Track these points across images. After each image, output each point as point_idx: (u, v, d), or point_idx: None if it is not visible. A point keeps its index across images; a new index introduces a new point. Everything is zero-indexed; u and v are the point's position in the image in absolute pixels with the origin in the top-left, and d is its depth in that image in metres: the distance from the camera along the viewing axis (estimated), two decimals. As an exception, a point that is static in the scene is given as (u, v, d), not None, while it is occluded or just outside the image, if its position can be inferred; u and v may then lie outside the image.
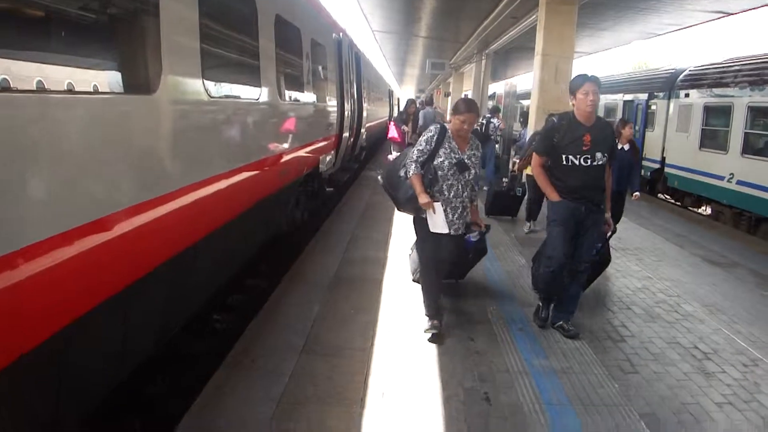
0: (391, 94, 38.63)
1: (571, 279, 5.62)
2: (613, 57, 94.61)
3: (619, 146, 8.03)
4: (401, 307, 6.05)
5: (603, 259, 6.34)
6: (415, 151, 5.29)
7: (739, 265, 8.86)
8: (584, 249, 5.57)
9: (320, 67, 9.71)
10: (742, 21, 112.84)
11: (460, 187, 5.31)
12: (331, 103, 10.93)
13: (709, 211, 15.67)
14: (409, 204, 5.34)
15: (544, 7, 12.97)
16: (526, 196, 10.59)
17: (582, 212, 5.42)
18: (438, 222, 5.21)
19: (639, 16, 16.96)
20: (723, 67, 15.25)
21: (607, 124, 5.71)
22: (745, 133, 13.22)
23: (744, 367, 5.19)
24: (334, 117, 11.19)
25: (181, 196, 4.00)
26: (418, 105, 17.78)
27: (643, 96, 18.84)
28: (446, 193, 5.28)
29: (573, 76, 13.63)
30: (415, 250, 6.49)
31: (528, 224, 10.23)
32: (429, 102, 19.96)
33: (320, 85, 9.74)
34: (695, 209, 16.25)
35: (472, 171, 5.37)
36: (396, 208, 5.76)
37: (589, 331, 5.76)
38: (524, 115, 15.92)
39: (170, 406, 4.47)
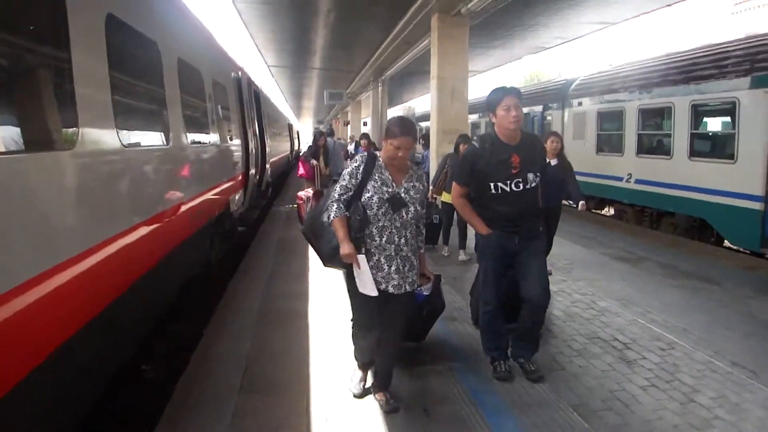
0: (290, 127, 38.70)
1: (530, 316, 5.00)
2: (505, 72, 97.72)
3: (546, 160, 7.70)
4: (330, 339, 6.11)
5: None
6: (338, 188, 4.27)
7: (646, 259, 9.45)
8: (534, 282, 4.88)
9: (222, 107, 9.72)
10: (624, 30, 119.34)
11: (394, 229, 4.25)
12: (236, 142, 10.93)
13: (612, 211, 16.47)
14: (335, 257, 4.28)
15: (437, 32, 13.45)
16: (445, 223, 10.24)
17: (515, 244, 4.86)
18: (365, 280, 4.19)
19: (528, 33, 17.80)
20: (612, 73, 16.16)
21: (535, 139, 5.21)
22: (638, 134, 14.04)
23: (662, 351, 5.62)
24: (239, 156, 11.18)
25: (106, 246, 3.97)
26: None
27: (539, 108, 19.64)
28: (377, 238, 4.23)
29: (468, 95, 14.39)
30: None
31: (460, 252, 9.81)
32: (330, 133, 20.05)
33: (224, 125, 9.74)
34: (599, 211, 17.04)
35: (411, 208, 4.29)
36: (322, 263, 4.59)
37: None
38: (425, 137, 16.33)
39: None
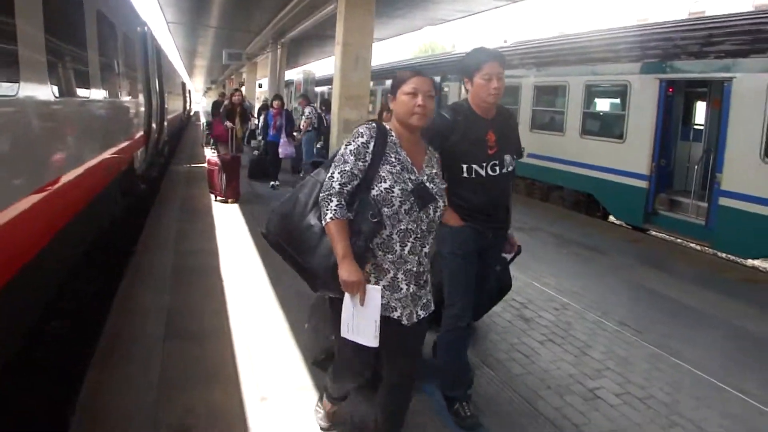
0: (184, 86, 37.82)
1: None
2: (401, 42, 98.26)
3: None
4: (243, 291, 6.36)
5: (503, 285, 5.15)
6: (336, 174, 2.93)
7: (538, 229, 10.17)
8: (484, 288, 4.24)
9: (130, 63, 9.61)
10: (522, 9, 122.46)
11: (420, 234, 3.02)
12: (141, 99, 10.82)
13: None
14: (332, 282, 2.91)
15: (344, -2, 13.54)
16: None
17: (489, 239, 4.04)
18: (366, 323, 2.90)
19: (430, 4, 18.05)
20: (510, 50, 16.79)
21: (508, 113, 4.32)
22: (533, 110, 14.76)
23: (556, 311, 6.27)
24: (143, 112, 11.08)
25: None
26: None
27: (436, 79, 20.14)
28: (397, 247, 2.97)
29: (371, 62, 14.65)
30: (317, 327, 4.34)
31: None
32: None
33: (131, 81, 9.65)
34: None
35: (440, 204, 3.10)
36: (311, 287, 3.23)
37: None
38: (325, 103, 16.45)
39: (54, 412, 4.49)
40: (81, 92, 5.77)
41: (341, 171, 2.93)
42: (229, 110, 13.32)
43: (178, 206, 11.03)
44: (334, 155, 3.07)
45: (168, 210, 10.65)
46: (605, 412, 4.24)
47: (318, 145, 16.05)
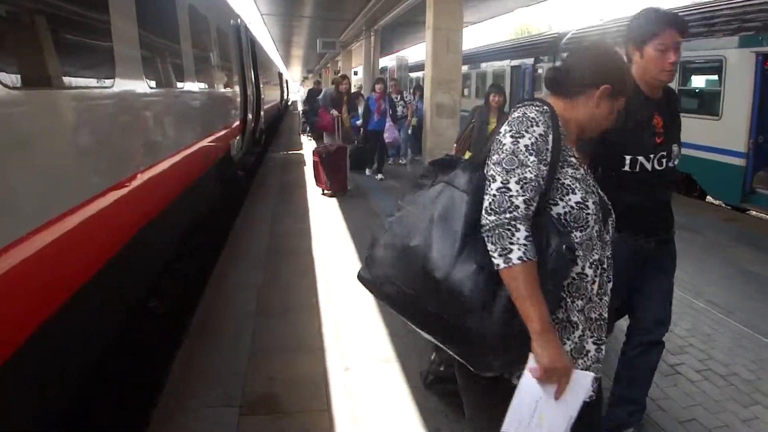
0: (280, 76, 38.73)
1: (646, 355, 3.39)
2: (495, 24, 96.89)
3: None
4: (333, 270, 6.57)
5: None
6: (513, 184, 1.87)
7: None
8: (659, 305, 3.37)
9: (224, 55, 10.00)
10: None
11: (606, 261, 2.12)
12: (236, 90, 11.24)
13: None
14: (507, 351, 1.87)
15: (434, -18, 13.56)
16: None
17: (651, 250, 3.22)
18: (560, 413, 1.87)
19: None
20: (603, 28, 16.38)
21: (672, 92, 3.37)
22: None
23: None
24: (239, 102, 11.50)
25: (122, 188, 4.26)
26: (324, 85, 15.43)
27: (530, 61, 19.86)
28: (589, 288, 2.02)
29: (463, 46, 14.62)
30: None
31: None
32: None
33: (226, 72, 10.05)
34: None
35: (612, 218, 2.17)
36: (460, 356, 1.99)
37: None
38: (419, 88, 16.48)
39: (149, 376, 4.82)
40: (175, 84, 6.10)
41: (520, 179, 1.85)
42: (336, 98, 12.44)
43: (275, 191, 11.41)
44: (485, 152, 2.02)
45: (265, 195, 11.04)
46: (685, 388, 4.17)
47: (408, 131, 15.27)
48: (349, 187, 11.28)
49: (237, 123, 11.10)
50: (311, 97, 22.98)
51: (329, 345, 4.70)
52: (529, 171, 1.87)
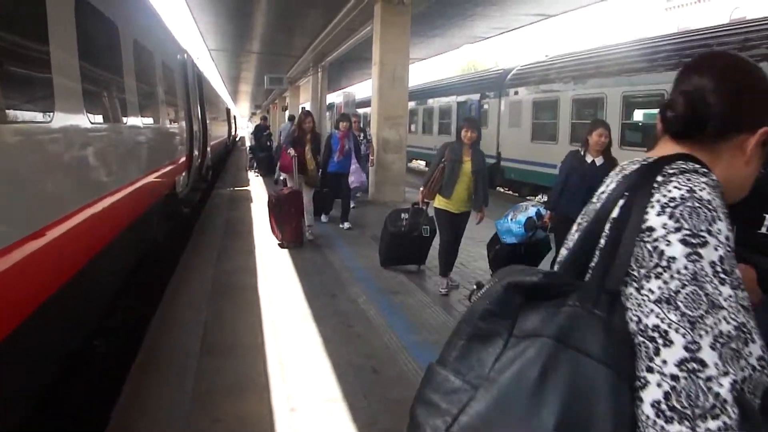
0: (228, 112, 38.57)
1: None
2: (443, 60, 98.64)
3: (589, 159, 6.30)
4: (279, 309, 6.48)
5: None
6: (709, 350, 0.99)
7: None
8: None
9: (170, 90, 9.91)
10: (562, 22, 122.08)
11: None
12: (182, 125, 11.13)
13: (545, 198, 17.19)
14: None
15: (379, 19, 13.79)
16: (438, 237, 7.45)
17: None
18: None
19: (467, 22, 18.32)
20: (548, 64, 16.85)
21: None
22: (572, 123, 14.72)
23: None
24: (185, 138, 11.38)
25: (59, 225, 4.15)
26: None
27: (476, 96, 20.25)
28: None
29: (409, 81, 14.77)
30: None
31: (444, 282, 7.27)
32: (290, 118, 18.55)
33: (171, 107, 9.95)
34: (532, 198, 17.78)
35: None
36: None
37: (448, 309, 6.57)
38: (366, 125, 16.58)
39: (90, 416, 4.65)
40: (116, 119, 5.99)
41: (716, 337, 1.01)
42: (298, 138, 10.35)
43: (222, 228, 11.26)
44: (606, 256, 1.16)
45: (210, 231, 10.90)
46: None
47: None
48: (311, 237, 10.24)
49: (183, 159, 10.97)
50: (258, 132, 22.96)
51: (275, 385, 4.60)
52: (728, 317, 1.03)
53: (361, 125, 13.96)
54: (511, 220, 6.96)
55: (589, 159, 6.27)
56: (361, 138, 13.15)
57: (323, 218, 12.03)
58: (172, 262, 8.69)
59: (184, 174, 11.27)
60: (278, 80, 27.83)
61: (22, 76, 3.64)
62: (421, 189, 7.23)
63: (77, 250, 4.51)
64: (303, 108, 23.81)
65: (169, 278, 7.76)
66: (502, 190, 19.33)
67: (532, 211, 6.88)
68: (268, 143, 22.07)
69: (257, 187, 18.00)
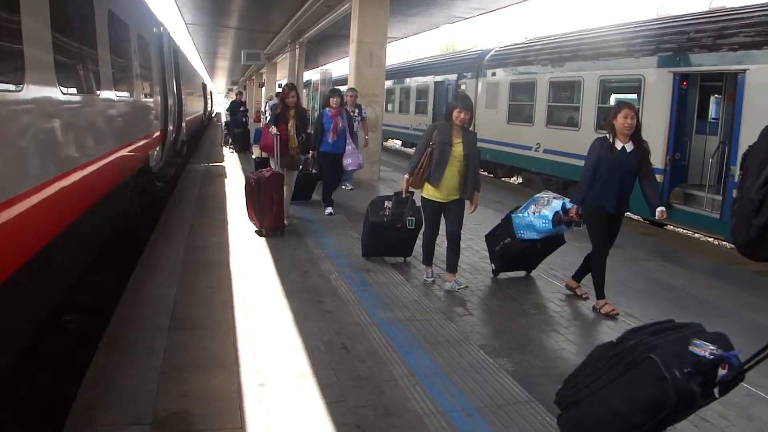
0: (204, 87, 38.19)
1: None
2: (422, 40, 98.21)
3: (618, 145, 5.86)
4: (250, 285, 6.47)
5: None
6: None
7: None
8: None
9: (145, 63, 9.79)
10: (543, 5, 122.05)
11: None
12: (157, 99, 11.02)
13: (520, 180, 17.30)
14: None
15: (358, -4, 13.69)
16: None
17: None
18: None
19: (447, 2, 18.24)
20: (526, 46, 16.87)
21: None
22: (548, 105, 14.78)
23: (561, 302, 6.45)
24: (159, 112, 11.28)
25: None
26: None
27: (453, 76, 20.23)
28: None
29: (387, 60, 14.71)
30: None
31: (429, 270, 6.89)
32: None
33: (146, 81, 9.84)
34: (508, 179, 17.86)
35: None
36: None
37: (425, 287, 6.65)
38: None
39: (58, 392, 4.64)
40: (90, 90, 5.93)
41: None
42: (280, 114, 9.40)
43: (194, 203, 11.19)
44: None
45: (183, 207, 10.82)
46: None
47: None
48: (287, 223, 9.24)
49: (157, 133, 10.87)
50: (234, 108, 22.78)
51: (244, 360, 4.61)
52: None
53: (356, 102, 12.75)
54: (534, 214, 6.50)
55: (618, 146, 5.82)
56: (355, 114, 12.22)
57: (329, 210, 10.66)
58: (145, 237, 8.63)
59: (158, 149, 11.18)
60: (255, 56, 27.61)
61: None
62: (406, 176, 6.57)
63: (45, 224, 4.48)
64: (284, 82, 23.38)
65: (140, 252, 7.71)
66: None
67: (557, 205, 6.42)
68: (244, 119, 21.89)
69: (232, 163, 17.88)
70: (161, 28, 12.43)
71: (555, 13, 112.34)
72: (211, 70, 57.07)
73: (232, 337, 5.03)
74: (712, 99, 12.03)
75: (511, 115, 16.68)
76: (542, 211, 6.44)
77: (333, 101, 10.40)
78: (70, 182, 5.02)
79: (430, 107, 22.11)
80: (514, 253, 6.82)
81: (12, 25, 3.78)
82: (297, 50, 26.56)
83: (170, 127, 12.90)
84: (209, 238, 8.45)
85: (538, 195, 6.82)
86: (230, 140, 22.24)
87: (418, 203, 6.88)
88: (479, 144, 6.93)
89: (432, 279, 6.80)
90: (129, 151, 7.88)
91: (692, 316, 5.89)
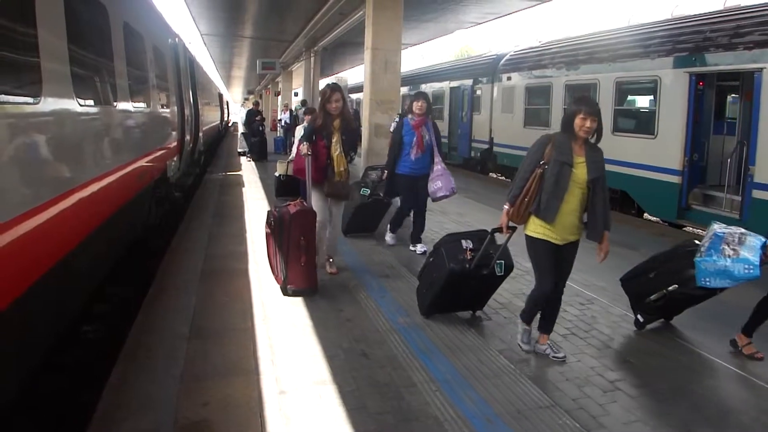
0: (221, 97, 38.43)
1: None
2: (436, 46, 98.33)
3: None
4: (269, 293, 6.48)
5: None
6: None
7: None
8: None
9: (161, 74, 9.86)
10: (556, 8, 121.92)
11: None
12: (174, 109, 11.08)
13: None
14: None
15: (372, 3, 13.68)
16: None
17: None
18: None
19: (460, 8, 18.19)
20: (540, 50, 16.83)
21: None
22: (564, 109, 14.70)
23: (581, 306, 6.28)
24: (176, 122, 11.34)
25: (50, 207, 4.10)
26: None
27: (469, 82, 20.22)
28: None
29: (401, 66, 14.73)
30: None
31: (526, 330, 5.12)
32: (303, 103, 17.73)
33: (162, 92, 9.90)
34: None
35: None
36: None
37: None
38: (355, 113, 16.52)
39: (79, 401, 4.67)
40: (106, 102, 5.97)
41: None
42: (322, 125, 6.84)
43: (211, 212, 11.24)
44: None
45: (201, 216, 10.87)
46: (624, 404, 4.24)
47: None
48: (332, 270, 7.28)
49: (174, 143, 10.93)
50: (250, 117, 22.91)
51: (264, 368, 4.62)
52: None
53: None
54: (729, 257, 4.96)
55: None
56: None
57: (389, 239, 8.79)
58: (164, 246, 8.68)
59: (175, 158, 11.24)
60: (271, 64, 27.70)
61: (9, 60, 3.62)
62: (506, 207, 4.91)
63: (64, 235, 4.50)
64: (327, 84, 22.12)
65: (160, 262, 7.75)
66: (494, 176, 19.37)
67: (757, 243, 4.91)
68: (260, 128, 22.00)
69: (249, 173, 17.94)
70: (176, 39, 12.51)
71: (567, 15, 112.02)
72: (227, 79, 57.49)
73: (252, 345, 5.03)
74: (729, 99, 11.93)
75: (527, 119, 16.63)
76: (742, 253, 4.92)
77: (417, 106, 7.94)
78: (88, 193, 5.04)
79: (446, 113, 22.07)
80: (681, 302, 5.60)
81: (29, 39, 3.82)
82: (312, 58, 26.63)
83: (187, 137, 12.96)
84: (228, 247, 8.47)
85: (718, 230, 5.21)
86: (248, 150, 22.34)
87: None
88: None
89: (530, 348, 5.13)
90: (146, 162, 7.92)
91: (709, 317, 5.88)
